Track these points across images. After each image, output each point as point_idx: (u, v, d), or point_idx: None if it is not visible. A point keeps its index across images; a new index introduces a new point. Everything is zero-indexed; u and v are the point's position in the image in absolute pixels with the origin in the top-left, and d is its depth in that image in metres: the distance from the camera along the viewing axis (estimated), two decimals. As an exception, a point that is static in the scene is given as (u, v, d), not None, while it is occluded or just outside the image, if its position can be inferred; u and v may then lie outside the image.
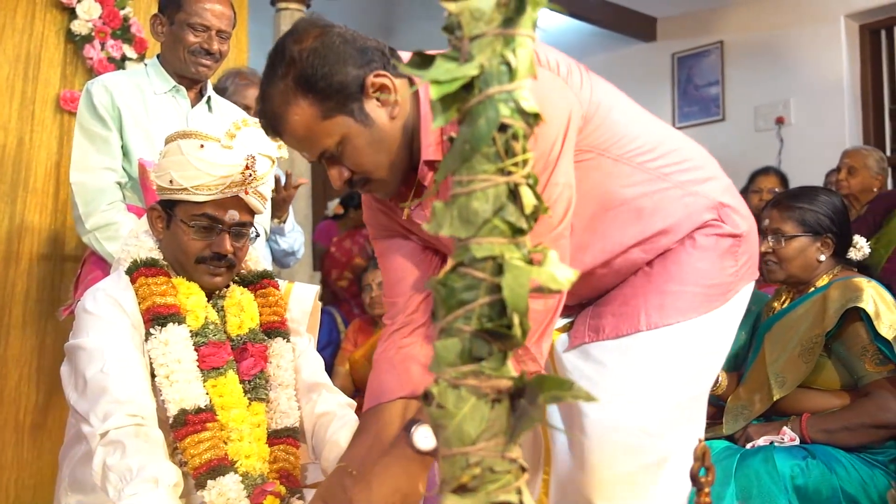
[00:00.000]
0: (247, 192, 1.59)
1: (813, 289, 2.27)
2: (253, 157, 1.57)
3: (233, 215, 1.60)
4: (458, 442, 0.75)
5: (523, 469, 0.76)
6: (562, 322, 1.58)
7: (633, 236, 1.42)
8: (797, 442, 2.14)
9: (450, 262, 0.76)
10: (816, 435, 2.13)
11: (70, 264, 2.98)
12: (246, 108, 2.63)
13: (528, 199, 0.75)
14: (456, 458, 0.75)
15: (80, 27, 3.03)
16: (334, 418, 1.64)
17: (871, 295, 2.14)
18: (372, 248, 5.53)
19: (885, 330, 2.10)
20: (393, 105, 1.29)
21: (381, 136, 1.29)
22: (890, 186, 4.37)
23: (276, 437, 1.59)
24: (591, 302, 1.52)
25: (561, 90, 1.29)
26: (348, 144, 1.29)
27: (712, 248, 1.44)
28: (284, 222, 2.69)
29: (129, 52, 3.11)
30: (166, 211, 1.64)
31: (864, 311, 2.11)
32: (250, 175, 1.56)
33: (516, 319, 0.74)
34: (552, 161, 1.23)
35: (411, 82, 1.32)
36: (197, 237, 1.60)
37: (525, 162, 0.76)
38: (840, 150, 4.21)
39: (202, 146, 1.54)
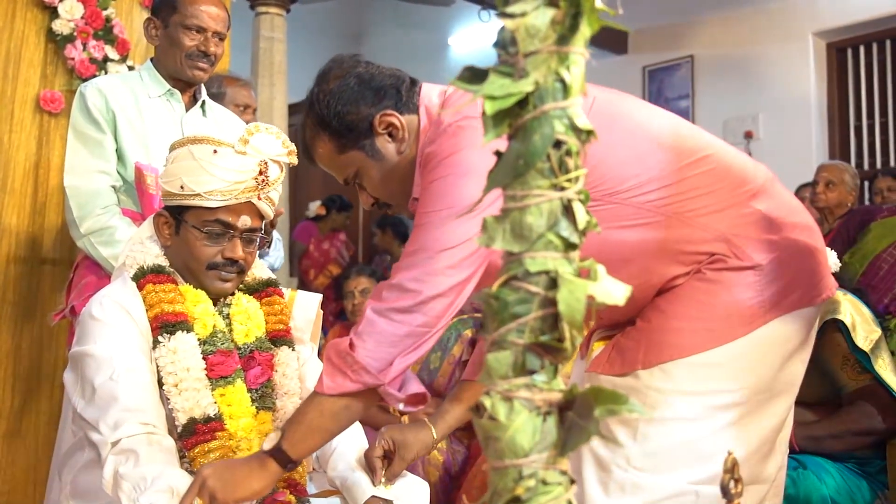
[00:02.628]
0: (259, 198, 1.59)
1: None
2: (266, 163, 1.57)
3: (245, 221, 1.60)
4: (511, 454, 0.76)
5: (572, 481, 0.77)
6: (606, 333, 1.53)
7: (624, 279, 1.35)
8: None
9: (502, 276, 0.77)
10: (803, 443, 2.17)
11: (48, 267, 2.92)
12: (245, 107, 2.60)
13: (581, 214, 0.77)
14: (508, 470, 0.76)
15: (61, 27, 2.96)
16: None
17: (848, 308, 2.19)
18: (348, 255, 5.52)
19: (861, 342, 2.15)
20: (401, 141, 1.43)
21: (391, 168, 1.44)
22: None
23: (283, 446, 1.57)
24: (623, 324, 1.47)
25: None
26: (364, 175, 1.46)
27: (721, 281, 1.35)
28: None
29: (112, 53, 3.05)
30: (174, 217, 1.62)
31: (842, 322, 2.16)
32: (263, 180, 1.56)
33: (569, 333, 0.76)
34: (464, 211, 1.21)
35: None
36: (209, 243, 1.59)
37: (578, 178, 0.77)
38: (807, 165, 4.31)
39: (215, 151, 1.53)
